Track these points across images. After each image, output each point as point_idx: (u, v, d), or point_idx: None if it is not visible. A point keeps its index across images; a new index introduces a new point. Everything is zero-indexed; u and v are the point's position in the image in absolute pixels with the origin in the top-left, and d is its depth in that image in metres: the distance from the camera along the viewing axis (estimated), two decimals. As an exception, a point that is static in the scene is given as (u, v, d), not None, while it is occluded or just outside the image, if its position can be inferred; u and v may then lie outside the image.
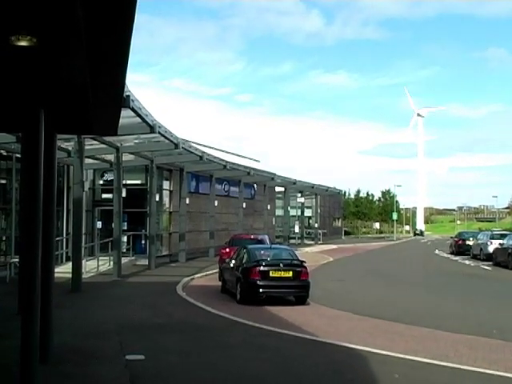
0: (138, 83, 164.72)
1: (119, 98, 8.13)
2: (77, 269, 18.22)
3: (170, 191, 31.33)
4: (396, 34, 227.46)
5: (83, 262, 20.18)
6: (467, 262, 34.67)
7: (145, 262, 26.29)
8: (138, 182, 29.57)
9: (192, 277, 22.60)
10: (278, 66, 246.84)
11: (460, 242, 42.02)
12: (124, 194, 24.54)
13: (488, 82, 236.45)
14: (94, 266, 23.35)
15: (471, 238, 40.45)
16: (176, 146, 22.82)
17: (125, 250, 26.71)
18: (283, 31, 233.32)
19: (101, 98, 7.58)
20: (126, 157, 24.02)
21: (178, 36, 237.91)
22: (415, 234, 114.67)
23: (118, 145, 22.33)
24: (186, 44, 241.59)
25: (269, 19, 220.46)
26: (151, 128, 18.76)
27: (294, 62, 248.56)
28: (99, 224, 28.30)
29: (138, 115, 16.84)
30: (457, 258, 38.53)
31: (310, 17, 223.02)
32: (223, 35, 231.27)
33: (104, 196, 28.94)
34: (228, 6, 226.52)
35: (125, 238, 27.17)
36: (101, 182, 29.60)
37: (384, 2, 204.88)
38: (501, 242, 31.88)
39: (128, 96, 14.60)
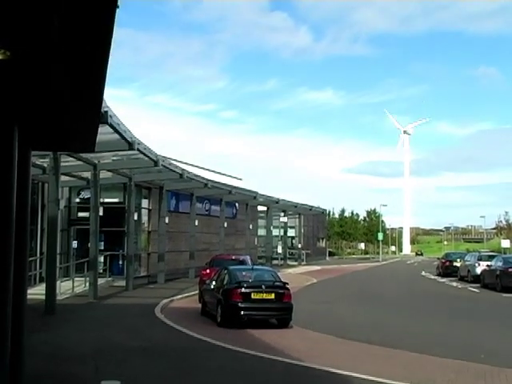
0: (119, 98, 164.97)
1: (97, 114, 8.10)
2: (51, 290, 18.03)
3: (149, 210, 31.21)
4: (385, 51, 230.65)
5: (58, 283, 19.96)
6: (454, 283, 34.81)
7: (122, 283, 26.10)
8: (116, 200, 29.45)
9: (171, 299, 22.47)
10: (263, 82, 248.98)
11: (447, 264, 42.17)
12: (101, 213, 24.37)
13: (477, 100, 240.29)
14: (69, 287, 23.12)
15: (458, 260, 40.60)
16: (155, 163, 22.77)
17: (101, 271, 26.48)
18: (270, 47, 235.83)
19: (77, 113, 7.54)
20: (104, 174, 23.93)
21: (162, 51, 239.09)
22: (417, 254, 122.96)
23: (96, 162, 22.22)
24: (170, 59, 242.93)
25: (256, 35, 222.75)
26: (130, 145, 18.71)
27: (280, 78, 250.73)
28: (75, 244, 28.05)
29: (117, 131, 16.79)
30: (444, 279, 38.67)
31: (299, 33, 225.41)
32: (209, 51, 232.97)
33: (80, 214, 28.73)
34: (215, 21, 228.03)
35: (101, 259, 26.94)
36: (77, 200, 29.42)
37: (374, 19, 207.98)
38: (489, 263, 32.09)
39: (106, 111, 14.57)
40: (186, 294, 24.35)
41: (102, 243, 27.46)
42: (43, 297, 18.05)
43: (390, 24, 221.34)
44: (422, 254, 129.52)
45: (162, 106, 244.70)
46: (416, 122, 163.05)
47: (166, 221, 30.75)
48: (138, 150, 19.81)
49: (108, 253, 27.89)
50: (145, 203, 31.05)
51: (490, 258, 34.31)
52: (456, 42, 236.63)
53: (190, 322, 16.98)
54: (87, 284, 23.07)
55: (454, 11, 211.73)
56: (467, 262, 37.00)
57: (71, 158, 20.69)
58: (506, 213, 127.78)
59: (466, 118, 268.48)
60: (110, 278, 27.12)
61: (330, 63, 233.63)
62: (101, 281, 24.30)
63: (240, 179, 51.50)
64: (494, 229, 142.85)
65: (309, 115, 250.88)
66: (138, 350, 12.34)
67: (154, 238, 30.82)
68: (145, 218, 31.25)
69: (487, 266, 31.93)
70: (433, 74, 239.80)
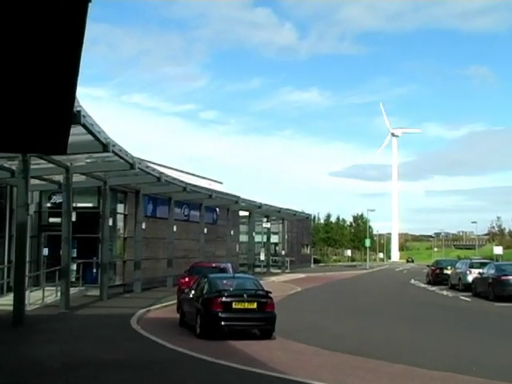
0: (94, 98, 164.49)
1: (69, 114, 8.04)
2: (19, 300, 17.89)
3: (125, 215, 31.09)
4: (373, 50, 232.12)
5: (27, 292, 19.82)
6: (445, 292, 34.99)
7: (96, 292, 25.95)
8: (90, 204, 29.30)
9: (148, 309, 22.40)
10: (246, 81, 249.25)
11: (437, 271, 42.35)
12: (74, 218, 24.24)
13: (468, 101, 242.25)
14: (39, 297, 22.94)
15: (449, 267, 40.77)
16: (131, 166, 22.70)
17: (74, 280, 26.35)
18: (253, 45, 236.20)
19: (48, 113, 7.48)
20: (77, 177, 23.79)
21: (139, 48, 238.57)
22: (407, 261, 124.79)
23: (68, 164, 22.10)
24: (147, 57, 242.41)
25: (238, 32, 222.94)
26: (104, 146, 18.65)
27: (263, 77, 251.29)
28: (46, 251, 27.86)
29: (90, 132, 16.73)
30: (434, 288, 38.84)
31: (283, 30, 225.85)
32: (188, 48, 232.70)
33: (51, 220, 28.56)
34: (195, 17, 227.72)
35: (74, 267, 26.79)
36: (48, 204, 29.25)
37: (362, 16, 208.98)
38: (481, 271, 32.28)
39: (79, 111, 14.51)
40: (164, 304, 24.28)
41: (75, 250, 27.26)
42: (11, 307, 17.90)
43: (378, 21, 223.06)
44: (412, 261, 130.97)
45: (139, 105, 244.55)
46: (407, 129, 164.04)
47: (143, 226, 30.65)
48: (113, 151, 19.74)
49: (81, 260, 27.70)
50: (120, 208, 30.92)
51: (482, 265, 34.50)
52: (447, 40, 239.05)
53: (168, 333, 16.91)
54: (58, 294, 22.88)
55: (446, 8, 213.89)
56: (458, 270, 37.19)
57: (42, 161, 20.57)
58: (499, 218, 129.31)
59: (457, 120, 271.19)
60: (83, 288, 26.95)
61: (316, 62, 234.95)
62: (73, 290, 24.15)
63: (221, 183, 51.60)
64: (486, 235, 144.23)
65: (293, 116, 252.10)
66: (112, 364, 12.25)
67: (130, 244, 30.69)
68: (120, 224, 31.10)
69: (479, 273, 32.11)
70: (422, 73, 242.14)
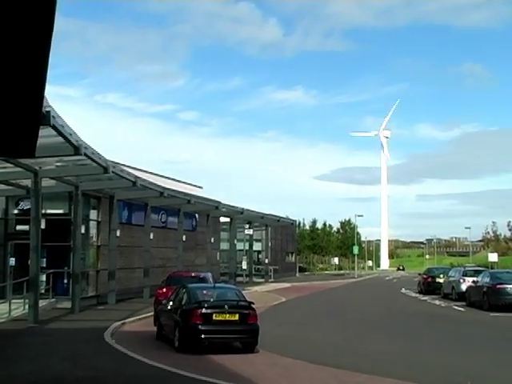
0: (65, 97, 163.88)
1: (37, 114, 7.98)
2: (-15, 314, 17.74)
3: (98, 222, 30.96)
4: (362, 47, 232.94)
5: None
6: (437, 302, 35.15)
7: (67, 304, 25.81)
8: (60, 211, 29.18)
9: (123, 321, 22.31)
10: (227, 80, 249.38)
11: (429, 280, 42.56)
12: (43, 226, 24.12)
13: (462, 100, 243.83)
14: (6, 310, 22.79)
15: (442, 275, 41.02)
16: (105, 169, 22.62)
17: (43, 292, 26.17)
18: (235, 42, 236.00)
19: (14, 113, 7.42)
20: (46, 182, 23.67)
21: (114, 45, 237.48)
22: (398, 269, 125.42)
23: (37, 168, 21.98)
24: (123, 54, 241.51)
25: (219, 28, 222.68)
26: (76, 149, 18.57)
27: (246, 76, 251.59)
28: (12, 261, 27.68)
29: (61, 134, 16.65)
30: (426, 297, 39.01)
31: (267, 26, 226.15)
32: (166, 45, 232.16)
33: (19, 228, 28.40)
34: (174, 12, 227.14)
35: (43, 277, 26.64)
36: (15, 211, 29.09)
37: (350, 11, 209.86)
38: (475, 279, 32.44)
39: (48, 112, 14.43)
40: (140, 316, 24.20)
41: (45, 260, 27.12)
42: (-24, 321, 17.76)
43: (367, 16, 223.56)
44: (403, 269, 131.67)
45: (114, 106, 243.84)
46: (385, 119, 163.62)
47: (118, 234, 30.54)
48: (86, 154, 19.67)
49: (51, 271, 27.54)
50: (93, 214, 30.80)
51: (477, 273, 34.72)
52: (439, 37, 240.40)
53: (145, 347, 16.86)
54: (26, 306, 22.71)
55: (438, 2, 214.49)
56: (451, 278, 37.39)
57: (8, 164, 20.44)
58: (494, 223, 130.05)
59: (450, 120, 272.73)
60: (53, 300, 26.79)
61: (302, 59, 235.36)
62: (42, 302, 23.99)
63: (200, 187, 51.54)
64: (480, 241, 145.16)
65: (277, 117, 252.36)
66: (84, 381, 12.18)
67: (104, 253, 30.56)
68: (93, 231, 30.98)
69: (473, 282, 32.27)
70: (414, 71, 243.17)
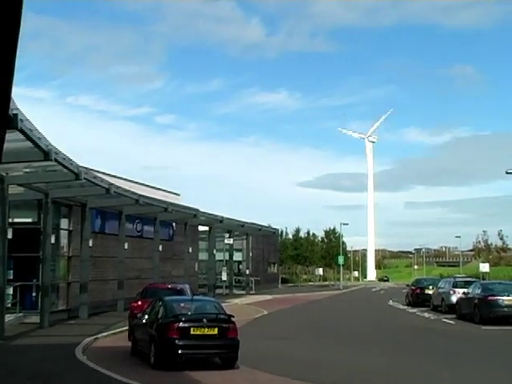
0: (34, 99, 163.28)
1: (3, 117, 7.94)
2: None
3: (70, 231, 30.81)
4: (347, 47, 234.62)
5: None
6: (426, 314, 35.29)
7: (36, 319, 25.62)
8: (29, 220, 29.02)
9: (96, 336, 22.21)
10: (207, 82, 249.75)
11: (418, 291, 42.80)
12: (10, 235, 23.99)
13: (453, 103, 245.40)
14: (-29, 325, 22.59)
15: (431, 287, 41.28)
16: (77, 176, 22.54)
17: (10, 305, 26.02)
18: (216, 42, 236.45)
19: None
20: (14, 189, 23.54)
21: (88, 44, 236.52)
22: (382, 280, 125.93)
23: (3, 174, 21.87)
24: (97, 54, 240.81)
25: (199, 27, 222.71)
26: (46, 154, 18.48)
27: (226, 78, 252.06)
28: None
29: (29, 138, 16.56)
30: (414, 309, 39.19)
31: (250, 26, 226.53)
32: (143, 45, 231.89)
33: (-15, 237, 28.16)
34: (151, 10, 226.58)
35: (10, 290, 26.45)
36: (-19, 220, 28.84)
37: (336, 10, 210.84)
38: (465, 290, 32.63)
39: (15, 114, 14.34)
40: (114, 331, 24.13)
41: (11, 272, 26.94)
42: None
43: (353, 16, 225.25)
44: (387, 280, 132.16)
45: (87, 108, 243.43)
46: (376, 122, 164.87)
47: (90, 244, 30.40)
48: (56, 160, 19.58)
49: (18, 283, 27.37)
50: (64, 223, 30.63)
51: (467, 284, 34.91)
52: (428, 37, 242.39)
53: (118, 363, 16.80)
54: (-7, 321, 22.59)
55: (426, 2, 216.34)
56: (441, 290, 37.58)
57: (-27, 170, 20.32)
58: (485, 232, 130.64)
59: (440, 124, 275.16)
60: (20, 314, 26.60)
61: (285, 61, 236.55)
62: (9, 317, 23.85)
63: (178, 194, 51.43)
64: (471, 251, 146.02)
65: (259, 121, 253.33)
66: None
67: (76, 264, 30.39)
68: (64, 241, 30.80)
69: (464, 293, 32.45)
70: (401, 73, 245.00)
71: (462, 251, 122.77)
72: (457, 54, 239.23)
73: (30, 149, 17.74)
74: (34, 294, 28.23)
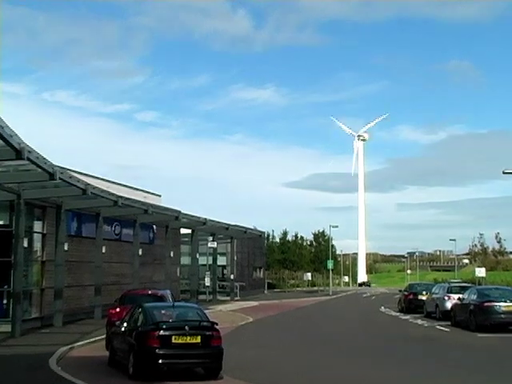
0: (7, 95, 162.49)
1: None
2: None
3: (43, 234, 30.68)
4: (338, 41, 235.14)
5: None
6: (420, 321, 35.38)
7: (7, 328, 25.49)
8: (0, 222, 28.86)
9: (71, 346, 22.14)
10: (191, 77, 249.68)
11: (411, 297, 42.91)
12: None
13: (448, 100, 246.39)
14: None
15: (424, 292, 41.42)
16: (51, 176, 22.46)
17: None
18: (201, 35, 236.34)
19: None
20: (-16, 190, 23.42)
21: (66, 37, 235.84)
22: (363, 285, 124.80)
23: (-26, 174, 21.77)
24: (75, 48, 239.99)
25: (184, 20, 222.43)
26: (18, 153, 18.41)
27: (211, 73, 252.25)
28: None
29: (0, 136, 16.47)
30: (407, 316, 39.29)
31: (236, 18, 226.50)
32: (124, 38, 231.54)
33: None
34: (134, 2, 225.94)
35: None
36: (-52, 222, 28.73)
37: (326, 2, 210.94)
38: (461, 296, 32.73)
39: (-14, 110, 14.26)
40: (90, 340, 24.08)
41: (-19, 277, 26.84)
42: None
43: (344, 8, 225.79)
44: (369, 285, 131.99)
45: (64, 104, 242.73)
46: (371, 122, 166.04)
47: (65, 248, 30.28)
48: (29, 159, 19.50)
49: (-12, 290, 27.31)
50: (38, 226, 30.50)
51: (463, 289, 35.01)
52: (423, 31, 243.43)
53: (95, 374, 16.75)
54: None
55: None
56: (435, 295, 37.71)
57: None
58: (481, 235, 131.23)
59: (435, 122, 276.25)
60: (-9, 322, 26.50)
61: (272, 55, 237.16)
62: (-20, 325, 23.68)
63: (159, 195, 51.41)
64: (466, 254, 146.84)
65: (245, 118, 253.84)
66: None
67: (50, 269, 30.25)
68: (37, 245, 30.65)
69: (459, 299, 32.55)
70: (395, 68, 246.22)
71: (458, 255, 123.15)
72: (453, 49, 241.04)
73: (0, 147, 17.66)
74: (4, 302, 28.09)
